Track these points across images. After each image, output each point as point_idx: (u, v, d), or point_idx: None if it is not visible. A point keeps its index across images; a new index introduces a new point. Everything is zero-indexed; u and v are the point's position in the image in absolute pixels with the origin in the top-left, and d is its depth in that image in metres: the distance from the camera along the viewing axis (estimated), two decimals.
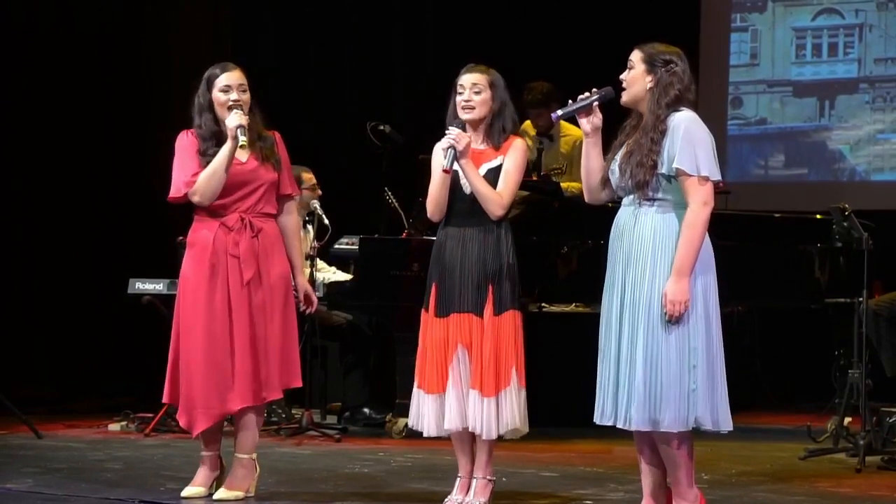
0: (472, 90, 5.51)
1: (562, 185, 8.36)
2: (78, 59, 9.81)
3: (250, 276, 5.63)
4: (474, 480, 5.53)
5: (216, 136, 5.68)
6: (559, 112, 5.17)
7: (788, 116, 10.80)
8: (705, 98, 9.96)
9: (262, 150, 5.70)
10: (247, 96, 5.69)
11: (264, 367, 5.63)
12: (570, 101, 5.13)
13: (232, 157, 5.60)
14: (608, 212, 5.15)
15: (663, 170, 4.90)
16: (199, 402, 5.62)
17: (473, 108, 5.50)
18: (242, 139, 5.56)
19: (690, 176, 4.89)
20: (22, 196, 9.55)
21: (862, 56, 10.55)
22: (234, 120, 5.59)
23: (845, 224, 7.36)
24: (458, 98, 5.52)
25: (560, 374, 7.89)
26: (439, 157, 5.50)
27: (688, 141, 4.89)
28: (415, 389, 5.55)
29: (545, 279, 7.89)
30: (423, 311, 5.59)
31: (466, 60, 5.67)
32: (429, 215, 5.61)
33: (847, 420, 7.31)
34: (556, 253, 7.91)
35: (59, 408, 8.82)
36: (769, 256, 8.18)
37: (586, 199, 5.23)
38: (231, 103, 5.64)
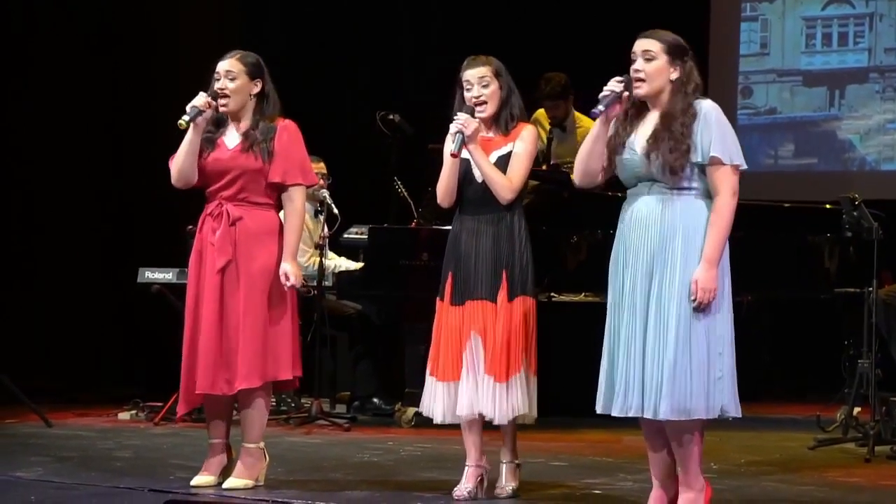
0: (480, 84, 5.53)
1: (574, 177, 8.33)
2: (86, 50, 9.83)
3: (222, 264, 5.61)
4: (503, 465, 5.60)
5: (216, 122, 5.70)
6: (600, 107, 4.98)
7: (798, 106, 10.78)
8: (715, 87, 9.94)
9: (252, 139, 5.67)
10: (235, 84, 5.65)
11: (232, 357, 5.59)
12: (599, 98, 4.98)
13: (191, 140, 5.60)
14: (619, 202, 5.13)
15: (697, 158, 4.89)
16: (184, 385, 5.67)
17: (486, 102, 5.52)
18: (182, 119, 5.56)
19: (724, 165, 4.88)
20: (30, 186, 9.58)
21: (872, 45, 10.53)
22: (193, 101, 5.60)
23: (855, 214, 7.35)
24: (468, 94, 5.53)
25: (569, 364, 7.88)
26: (448, 143, 5.52)
27: (721, 130, 4.89)
28: (427, 376, 5.58)
29: (555, 269, 7.88)
30: (437, 299, 5.61)
31: (475, 49, 5.67)
32: (439, 201, 5.62)
33: (856, 410, 7.30)
34: (565, 243, 7.90)
35: (69, 397, 8.84)
36: (778, 246, 8.17)
37: (581, 181, 5.13)
38: (217, 90, 5.65)
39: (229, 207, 5.65)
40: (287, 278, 5.64)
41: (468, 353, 5.47)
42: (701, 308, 4.84)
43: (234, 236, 5.64)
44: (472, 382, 5.46)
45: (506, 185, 5.49)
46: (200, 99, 5.61)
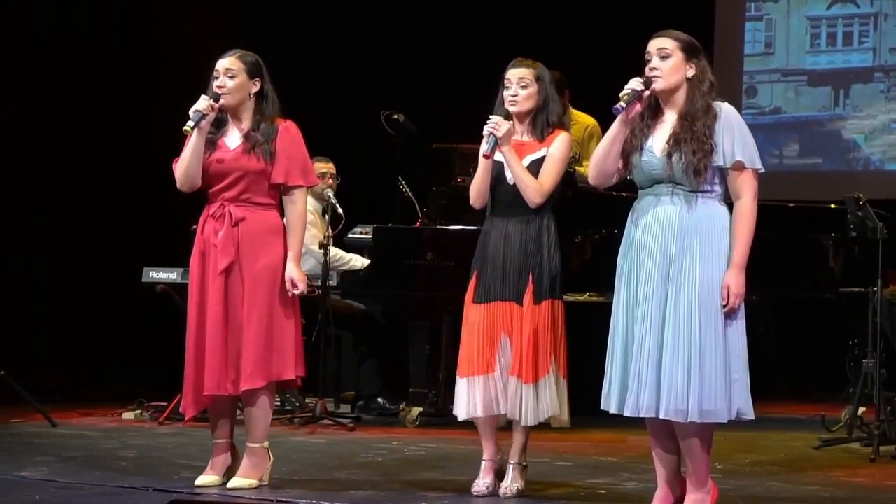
0: (519, 84, 5.60)
1: (578, 169, 8.32)
2: (93, 50, 9.84)
3: (225, 265, 5.61)
4: (510, 466, 5.63)
5: (216, 123, 5.69)
6: (622, 104, 4.92)
7: (803, 106, 10.78)
8: (719, 87, 9.92)
9: (254, 140, 5.66)
10: (234, 83, 5.65)
11: (237, 358, 5.59)
12: (620, 96, 4.93)
13: (195, 143, 5.60)
14: (622, 201, 5.12)
15: (719, 161, 4.89)
16: (190, 388, 5.66)
17: (518, 101, 5.57)
18: (187, 125, 5.55)
19: (746, 169, 4.90)
20: (36, 185, 9.58)
21: (877, 45, 10.52)
22: (195, 105, 5.60)
23: (860, 213, 7.35)
24: (505, 92, 5.60)
25: (574, 364, 7.86)
26: (483, 144, 5.57)
27: (742, 134, 4.92)
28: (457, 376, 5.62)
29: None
30: (465, 300, 5.64)
31: (480, 49, 5.70)
32: (471, 202, 5.68)
33: (861, 410, 7.29)
34: (569, 242, 7.88)
35: (74, 396, 8.85)
36: (783, 246, 8.14)
37: (596, 181, 5.13)
38: (216, 89, 5.65)
39: (232, 208, 5.65)
40: (294, 286, 5.65)
41: (498, 354, 5.51)
42: (730, 312, 4.86)
43: (236, 237, 5.64)
44: (497, 382, 5.50)
45: (536, 188, 5.54)
46: (203, 103, 5.60)
